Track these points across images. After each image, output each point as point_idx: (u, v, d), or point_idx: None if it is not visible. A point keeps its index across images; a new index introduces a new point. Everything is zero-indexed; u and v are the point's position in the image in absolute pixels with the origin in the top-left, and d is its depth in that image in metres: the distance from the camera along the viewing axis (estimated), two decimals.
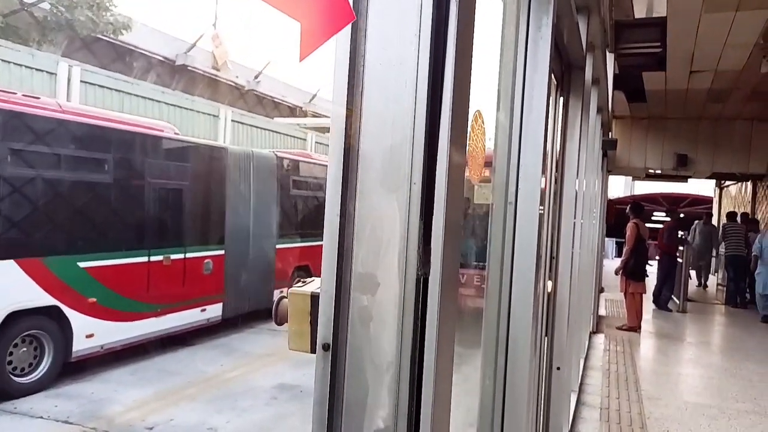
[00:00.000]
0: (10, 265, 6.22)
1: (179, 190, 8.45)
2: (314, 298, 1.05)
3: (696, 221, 15.05)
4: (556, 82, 3.88)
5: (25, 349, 6.54)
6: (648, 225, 21.05)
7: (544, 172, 2.35)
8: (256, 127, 15.89)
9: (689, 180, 15.44)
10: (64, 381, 6.86)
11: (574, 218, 4.34)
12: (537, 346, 2.48)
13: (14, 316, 6.30)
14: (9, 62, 9.79)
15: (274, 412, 6.02)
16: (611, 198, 17.29)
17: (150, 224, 7.99)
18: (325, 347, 0.91)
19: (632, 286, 8.88)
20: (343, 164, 0.90)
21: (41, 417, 5.99)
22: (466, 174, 1.93)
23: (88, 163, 7.16)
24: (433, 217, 0.83)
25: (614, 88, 11.02)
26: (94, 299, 7.04)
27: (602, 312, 10.46)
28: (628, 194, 30.22)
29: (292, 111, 23.59)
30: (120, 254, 7.42)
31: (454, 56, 0.82)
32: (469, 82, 0.91)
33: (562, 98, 3.97)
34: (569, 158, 3.96)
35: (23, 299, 6.35)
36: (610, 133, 12.26)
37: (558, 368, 3.94)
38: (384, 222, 0.86)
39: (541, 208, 2.71)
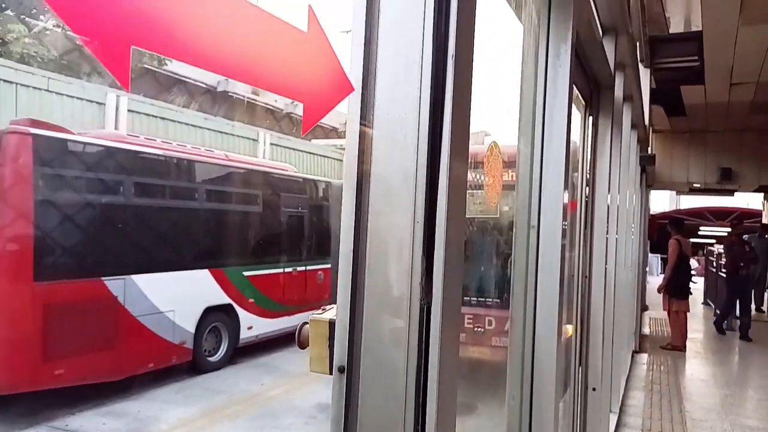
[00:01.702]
0: (205, 273, 8.30)
1: (301, 216, 10.66)
2: (332, 324, 1.14)
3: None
4: (584, 102, 3.92)
5: (210, 336, 8.42)
6: (694, 240, 20.39)
7: (568, 190, 2.39)
8: (294, 149, 16.21)
9: (735, 193, 14.94)
10: (112, 399, 7.11)
11: (607, 234, 4.33)
12: (565, 367, 2.51)
13: (207, 311, 8.25)
14: (62, 95, 10.33)
15: (314, 430, 6.10)
16: (654, 213, 16.88)
17: (284, 243, 10.28)
18: (341, 369, 1.00)
19: (675, 305, 8.65)
20: (355, 203, 1.00)
21: None
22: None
23: (248, 198, 9.52)
24: (435, 252, 0.92)
25: (652, 102, 10.89)
26: (253, 300, 9.06)
27: (646, 331, 10.22)
28: (673, 209, 29.40)
29: (329, 132, 23.96)
30: (267, 266, 9.59)
31: (451, 114, 0.91)
32: (468, 129, 1.00)
33: (591, 117, 4.00)
34: (600, 176, 3.97)
35: (212, 299, 8.38)
36: (649, 149, 12.06)
37: (594, 389, 3.91)
38: (390, 257, 0.95)
39: (565, 223, 2.75)
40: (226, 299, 8.62)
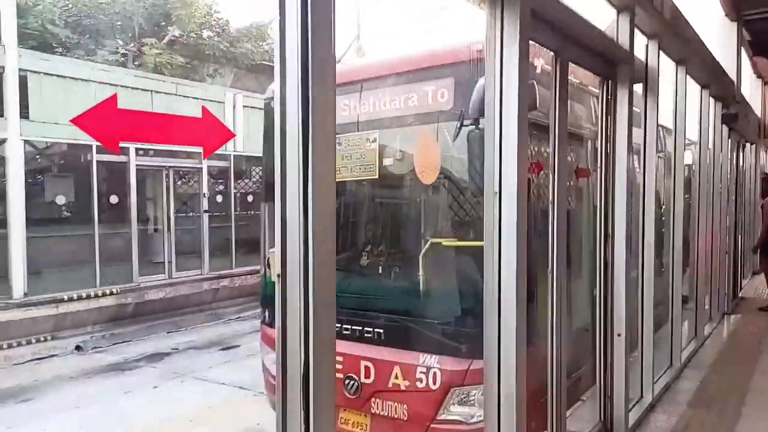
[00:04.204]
0: None
1: None
2: None
3: None
4: (601, 78, 4.27)
5: None
6: None
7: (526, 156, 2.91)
8: None
9: None
10: (241, 356, 8.73)
11: (644, 198, 4.67)
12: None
13: None
14: (188, 97, 11.99)
15: None
16: None
17: None
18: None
19: None
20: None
21: (223, 383, 7.63)
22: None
23: None
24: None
25: (755, 54, 10.34)
26: None
27: (750, 293, 9.90)
28: None
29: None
30: None
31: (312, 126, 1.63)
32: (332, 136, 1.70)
33: (610, 87, 4.32)
34: (620, 144, 4.29)
35: None
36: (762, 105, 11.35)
37: (618, 335, 4.31)
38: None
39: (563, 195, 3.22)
40: None
